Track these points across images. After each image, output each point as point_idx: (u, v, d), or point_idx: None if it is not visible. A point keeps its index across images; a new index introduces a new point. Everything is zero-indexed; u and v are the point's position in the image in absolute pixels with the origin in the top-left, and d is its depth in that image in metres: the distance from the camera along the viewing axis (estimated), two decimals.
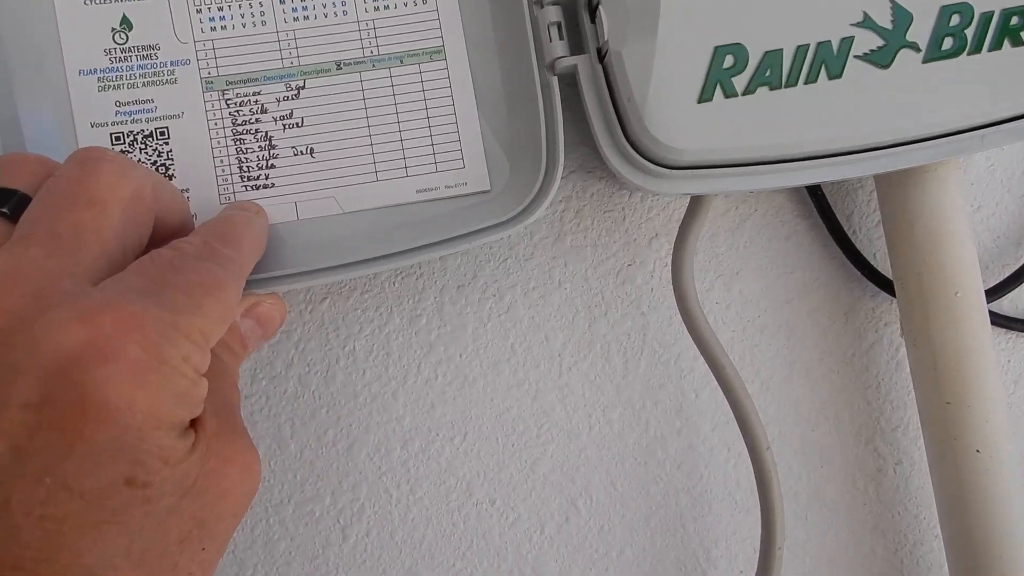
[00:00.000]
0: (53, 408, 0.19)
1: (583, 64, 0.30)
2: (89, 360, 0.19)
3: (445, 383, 0.38)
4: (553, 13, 0.30)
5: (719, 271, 0.38)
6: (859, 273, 0.37)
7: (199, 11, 0.31)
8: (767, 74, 0.27)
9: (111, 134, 0.31)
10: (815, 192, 0.36)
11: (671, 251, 0.38)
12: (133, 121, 0.30)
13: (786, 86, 0.27)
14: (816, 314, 0.38)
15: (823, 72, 0.27)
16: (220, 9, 0.31)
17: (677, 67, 0.27)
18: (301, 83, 0.32)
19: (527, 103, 0.31)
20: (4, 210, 0.22)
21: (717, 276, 0.38)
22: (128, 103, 0.30)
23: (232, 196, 0.31)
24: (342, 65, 0.32)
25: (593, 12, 0.30)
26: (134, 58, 0.30)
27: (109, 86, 0.30)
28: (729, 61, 0.27)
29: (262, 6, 0.32)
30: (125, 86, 0.30)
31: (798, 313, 0.38)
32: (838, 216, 0.36)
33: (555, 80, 0.30)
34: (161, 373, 0.20)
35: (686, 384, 0.38)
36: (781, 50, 0.27)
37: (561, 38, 0.30)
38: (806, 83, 0.27)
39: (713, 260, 0.38)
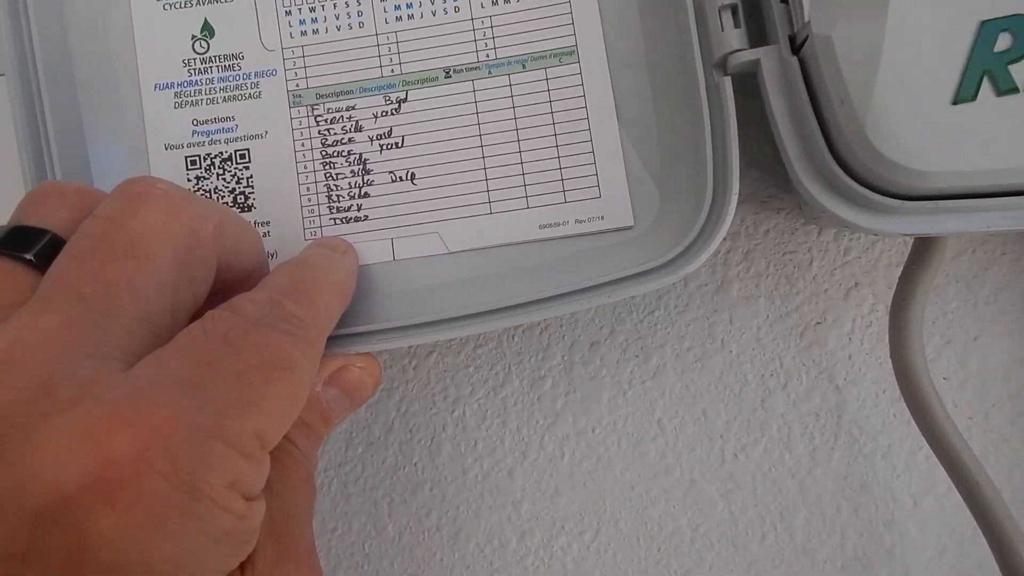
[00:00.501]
0: (41, 562, 0.14)
1: (768, 58, 0.22)
2: (92, 501, 0.14)
3: (573, 463, 0.31)
4: None
5: (948, 335, 0.28)
6: None
7: (288, 13, 0.27)
8: None
9: (186, 157, 0.27)
10: None
11: (876, 306, 0.29)
12: (211, 142, 0.26)
13: None
14: None
15: None
16: (312, 10, 0.27)
17: (920, 54, 0.19)
18: (403, 95, 0.26)
19: (687, 113, 0.24)
20: (29, 256, 0.18)
21: (945, 342, 0.28)
22: (206, 121, 0.26)
23: (319, 231, 0.26)
24: (452, 72, 0.26)
25: None
26: (215, 69, 0.27)
27: (186, 102, 0.27)
28: (1005, 42, 0.18)
29: (360, 5, 0.27)
30: (204, 102, 0.27)
31: None
32: None
33: (727, 82, 0.22)
34: (194, 513, 0.15)
35: (899, 487, 0.28)
36: None
37: (737, 26, 0.22)
38: None
39: (940, 320, 0.28)
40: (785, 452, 0.29)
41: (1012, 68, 0.18)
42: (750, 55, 0.22)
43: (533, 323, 0.31)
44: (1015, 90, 0.18)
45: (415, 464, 0.32)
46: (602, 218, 0.25)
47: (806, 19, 0.20)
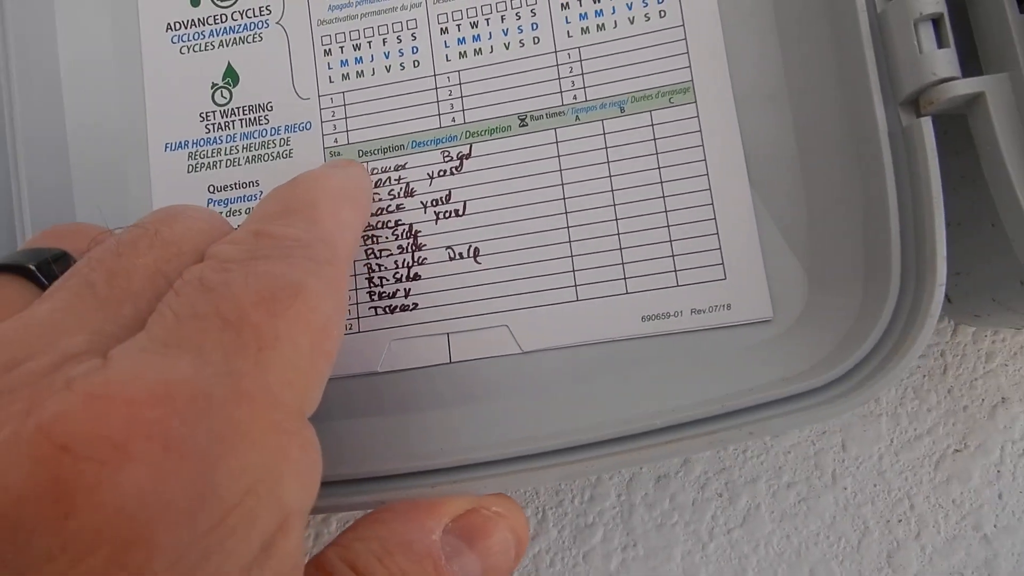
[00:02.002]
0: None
1: (997, 91, 0.16)
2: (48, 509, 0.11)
3: None
4: (929, 1, 0.16)
5: None
6: None
7: (328, 52, 0.21)
8: None
9: None
10: None
11: None
12: (231, 212, 0.21)
13: None
14: None
15: None
16: (356, 48, 0.21)
17: None
18: (466, 149, 0.21)
19: (856, 166, 0.18)
20: (31, 266, 0.16)
21: None
22: (226, 187, 0.22)
23: (356, 323, 0.20)
24: (529, 119, 0.21)
25: None
26: (238, 124, 0.22)
27: (203, 164, 0.22)
28: None
29: (415, 39, 0.21)
30: (223, 163, 0.22)
31: None
32: None
33: (926, 124, 0.16)
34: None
35: None
36: None
37: (944, 45, 0.16)
38: None
39: None
40: None
41: None
42: (967, 87, 0.16)
43: None
44: None
45: None
46: (728, 307, 0.18)
47: None
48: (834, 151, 0.18)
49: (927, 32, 0.16)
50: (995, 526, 0.22)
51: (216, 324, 0.13)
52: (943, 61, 0.16)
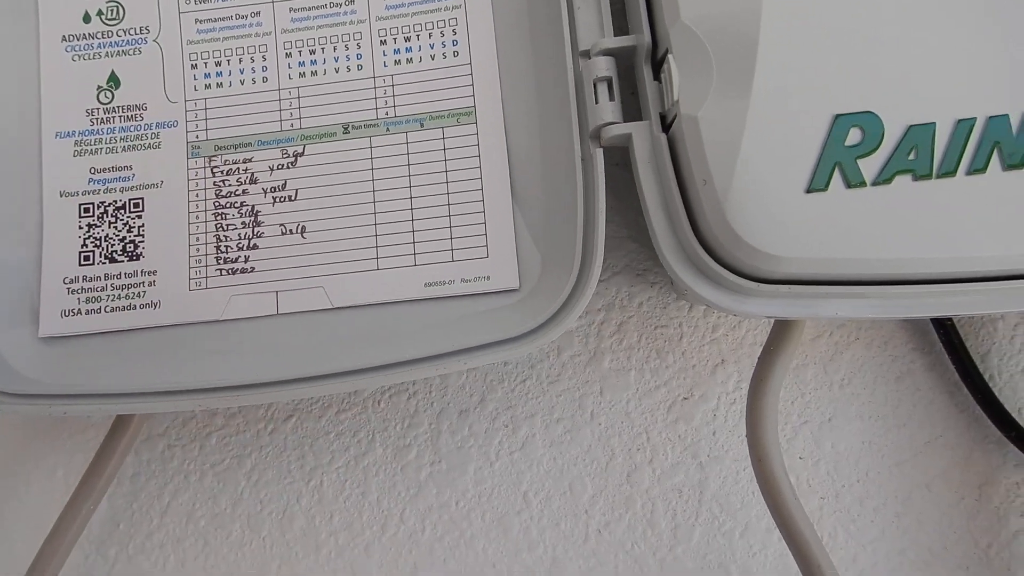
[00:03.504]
0: None
1: (640, 134, 0.22)
2: None
3: (434, 538, 0.29)
4: (602, 66, 0.22)
5: (805, 416, 0.29)
6: (999, 433, 0.27)
7: (195, 66, 0.27)
8: (911, 157, 0.19)
9: (80, 205, 0.26)
10: (942, 321, 0.27)
11: (740, 383, 0.29)
12: (107, 191, 0.26)
13: (939, 176, 0.19)
14: (938, 485, 0.28)
15: (995, 159, 0.19)
16: (218, 64, 0.27)
17: (778, 141, 0.19)
18: (300, 149, 0.26)
19: (566, 181, 0.24)
20: None
21: (802, 422, 0.29)
22: (104, 170, 0.27)
23: (204, 280, 0.26)
24: (350, 128, 0.26)
25: (658, 67, 0.22)
26: (117, 119, 0.27)
27: (86, 151, 0.27)
28: (855, 137, 0.19)
29: (265, 60, 0.27)
30: (103, 151, 0.27)
31: (913, 482, 0.28)
32: (972, 354, 0.27)
33: (599, 153, 0.22)
34: None
35: (755, 566, 0.28)
36: (934, 125, 0.19)
37: (612, 99, 0.22)
38: (969, 174, 0.19)
39: (798, 401, 0.29)
40: (648, 529, 0.29)
41: (861, 162, 0.19)
42: (622, 129, 0.22)
43: (401, 387, 0.30)
44: (863, 184, 0.19)
45: (263, 539, 0.30)
46: (488, 278, 0.24)
47: (675, 98, 0.21)
48: (561, 168, 0.24)
49: (603, 90, 0.22)
50: (708, 456, 0.29)
51: None
52: (607, 110, 0.22)
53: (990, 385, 0.27)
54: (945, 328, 0.27)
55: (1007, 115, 0.19)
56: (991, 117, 0.19)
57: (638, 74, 0.23)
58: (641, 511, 0.29)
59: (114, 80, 0.27)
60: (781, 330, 0.24)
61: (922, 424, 0.28)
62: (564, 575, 0.29)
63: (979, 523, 0.28)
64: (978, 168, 0.19)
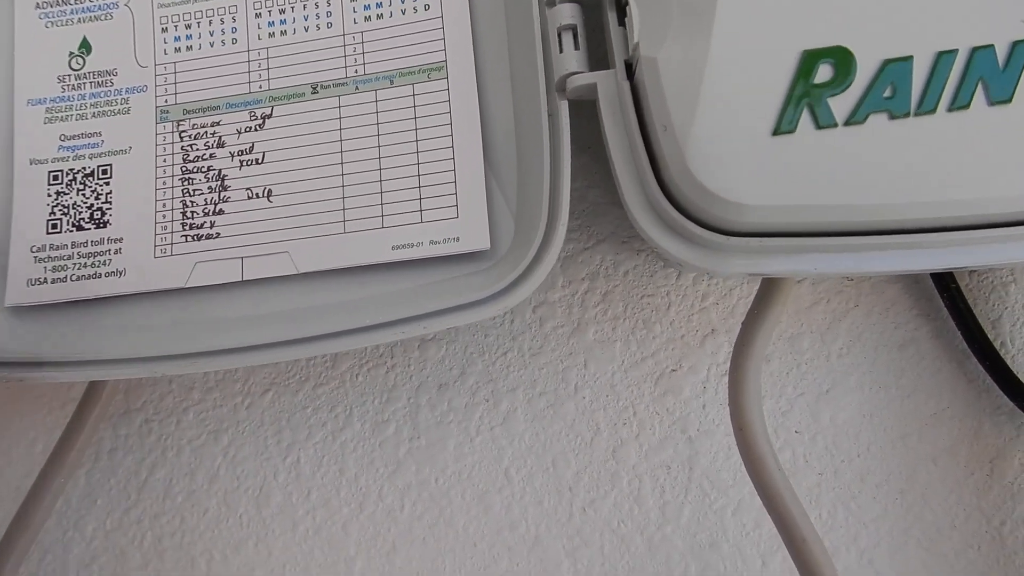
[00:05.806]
0: None
1: (604, 83, 0.21)
2: None
3: (414, 516, 0.28)
4: (567, 13, 0.21)
5: (801, 388, 0.27)
6: (1012, 404, 0.25)
7: (164, 30, 0.27)
8: (886, 95, 0.17)
9: (49, 172, 0.26)
10: (947, 284, 0.25)
11: (732, 353, 0.27)
12: (76, 157, 0.26)
13: (917, 114, 0.17)
14: (945, 459, 0.26)
15: (980, 94, 0.17)
16: (188, 27, 0.27)
17: (742, 81, 0.18)
18: (268, 111, 0.26)
19: (536, 137, 0.23)
20: None
21: (798, 394, 0.27)
22: (74, 137, 0.26)
23: (169, 248, 0.25)
24: (319, 88, 0.26)
25: (623, 11, 0.20)
26: (88, 85, 0.27)
27: (56, 117, 0.27)
28: (826, 73, 0.18)
29: (235, 22, 0.26)
30: (74, 117, 0.26)
31: (918, 455, 0.26)
32: (980, 320, 0.25)
33: (564, 105, 0.21)
34: None
35: (748, 545, 0.27)
36: (911, 59, 0.17)
37: (577, 48, 0.21)
38: (951, 110, 0.17)
39: (793, 372, 0.27)
40: (635, 507, 0.27)
41: (831, 101, 0.18)
42: (587, 79, 0.21)
43: (379, 360, 0.29)
44: (834, 124, 0.18)
45: (240, 516, 0.29)
46: (458, 239, 0.23)
47: (635, 40, 0.19)
48: (530, 126, 0.23)
49: (568, 39, 0.21)
50: (698, 430, 0.28)
51: None
52: (572, 59, 0.21)
53: (1001, 353, 0.25)
54: (950, 291, 0.25)
55: (992, 46, 0.17)
56: (975, 48, 0.17)
57: (604, 20, 0.21)
58: (627, 488, 0.27)
59: (85, 46, 0.27)
60: (765, 291, 0.23)
61: (928, 395, 0.26)
62: (547, 554, 0.27)
63: (991, 500, 0.26)
64: (961, 105, 0.17)
